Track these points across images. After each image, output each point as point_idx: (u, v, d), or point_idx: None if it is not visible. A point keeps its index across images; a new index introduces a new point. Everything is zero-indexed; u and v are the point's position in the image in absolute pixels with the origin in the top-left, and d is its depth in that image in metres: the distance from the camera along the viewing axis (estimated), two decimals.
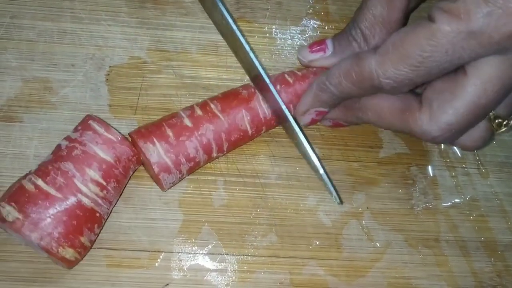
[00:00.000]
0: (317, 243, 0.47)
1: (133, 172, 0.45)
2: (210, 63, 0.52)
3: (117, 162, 0.42)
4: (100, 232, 0.44)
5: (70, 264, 0.41)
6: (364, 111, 0.45)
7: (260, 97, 0.47)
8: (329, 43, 0.47)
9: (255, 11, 0.55)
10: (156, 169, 0.43)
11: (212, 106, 0.45)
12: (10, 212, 0.38)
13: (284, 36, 0.55)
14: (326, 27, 0.56)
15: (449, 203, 0.50)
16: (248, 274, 0.46)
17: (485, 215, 0.50)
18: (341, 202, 0.47)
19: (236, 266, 0.46)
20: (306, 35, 0.55)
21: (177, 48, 0.52)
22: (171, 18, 0.54)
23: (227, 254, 0.46)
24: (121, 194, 0.45)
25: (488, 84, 0.38)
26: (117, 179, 0.42)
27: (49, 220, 0.39)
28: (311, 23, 0.56)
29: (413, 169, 0.51)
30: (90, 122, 0.43)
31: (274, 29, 0.55)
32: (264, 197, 0.48)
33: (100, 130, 0.42)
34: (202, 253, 0.46)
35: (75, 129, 0.43)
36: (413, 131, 0.42)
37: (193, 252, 0.46)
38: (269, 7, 0.56)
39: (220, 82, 0.52)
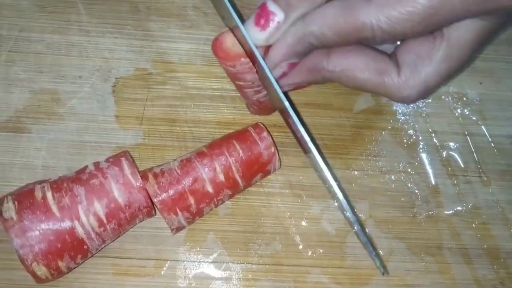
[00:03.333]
0: (321, 251, 0.48)
1: (140, 222, 0.46)
2: (215, 74, 0.53)
3: (127, 207, 0.42)
4: (83, 262, 0.43)
5: (40, 281, 0.41)
6: (334, 72, 0.42)
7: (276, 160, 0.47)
8: (273, 7, 0.39)
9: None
10: (173, 231, 0.45)
11: (234, 169, 0.45)
12: (9, 209, 0.39)
13: None
14: None
15: (451, 211, 0.50)
16: (253, 282, 0.46)
17: (487, 223, 0.50)
18: (387, 272, 0.47)
19: (240, 274, 0.46)
20: None
21: (182, 60, 0.53)
22: (176, 30, 0.55)
23: (232, 263, 0.47)
24: (118, 236, 0.45)
25: (464, 48, 0.39)
26: (120, 222, 0.42)
27: (37, 233, 0.39)
28: None
29: (415, 178, 0.51)
30: (122, 159, 0.43)
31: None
32: (268, 205, 0.49)
33: (127, 170, 0.43)
34: (207, 262, 0.46)
35: (107, 159, 0.44)
36: (389, 92, 0.42)
37: (198, 260, 0.46)
38: None
39: (225, 92, 0.52)
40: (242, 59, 0.42)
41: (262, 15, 0.39)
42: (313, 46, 0.40)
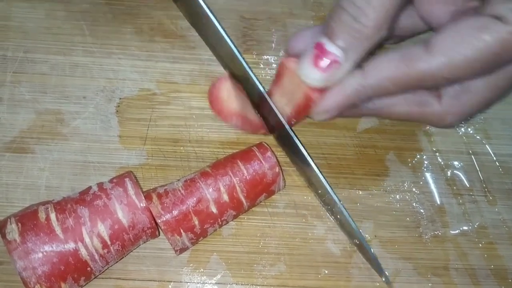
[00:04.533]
0: (326, 272, 0.47)
1: (144, 243, 0.45)
2: None
3: (131, 228, 0.42)
4: (86, 284, 0.43)
5: None
6: (374, 110, 0.42)
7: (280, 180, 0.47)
8: (331, 47, 0.38)
9: (261, 44, 0.57)
10: (177, 252, 0.45)
11: (238, 189, 0.45)
12: (12, 231, 0.39)
13: None
14: None
15: (457, 231, 0.50)
16: None
17: (494, 243, 0.50)
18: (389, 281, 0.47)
19: None
20: None
21: (185, 80, 0.54)
22: (179, 51, 0.55)
23: (236, 284, 0.46)
24: (122, 258, 0.45)
25: (510, 78, 0.39)
26: (124, 243, 0.42)
27: (40, 255, 0.38)
28: None
29: (420, 197, 0.51)
30: (126, 180, 0.43)
31: (279, 61, 0.56)
32: (273, 226, 0.48)
33: (130, 191, 0.42)
34: (211, 283, 0.46)
35: (111, 180, 0.44)
36: (430, 121, 0.42)
37: (202, 281, 0.46)
38: (274, 39, 0.57)
39: None
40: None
41: (321, 56, 0.38)
42: (370, 98, 0.40)
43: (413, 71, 0.37)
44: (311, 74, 0.39)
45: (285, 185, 0.49)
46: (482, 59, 0.35)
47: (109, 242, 0.41)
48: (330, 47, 0.38)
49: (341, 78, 0.39)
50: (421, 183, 0.52)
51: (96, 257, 0.41)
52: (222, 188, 0.44)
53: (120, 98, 0.52)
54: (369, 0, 0.36)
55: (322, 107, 0.41)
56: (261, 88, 0.43)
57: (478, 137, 0.54)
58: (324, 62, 0.38)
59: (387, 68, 0.38)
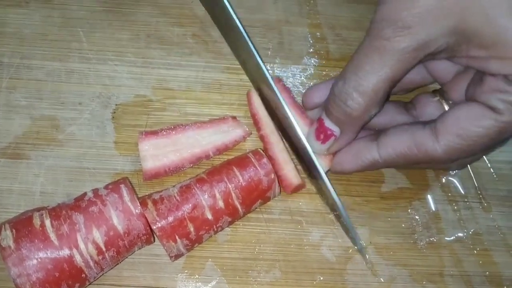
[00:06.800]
0: (321, 278, 0.47)
1: (139, 249, 0.45)
2: (214, 101, 0.53)
3: (126, 235, 0.42)
4: None
5: None
6: (381, 164, 0.45)
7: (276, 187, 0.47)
8: (328, 123, 0.44)
9: (258, 50, 0.57)
10: (172, 259, 0.45)
11: (234, 196, 0.45)
12: (7, 238, 0.39)
13: (285, 74, 0.56)
14: (326, 66, 0.57)
15: (452, 237, 0.50)
16: None
17: (489, 249, 0.50)
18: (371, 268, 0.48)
19: None
20: (307, 73, 0.56)
21: (181, 87, 0.54)
22: (176, 58, 0.55)
23: None
24: (117, 264, 0.44)
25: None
26: (119, 250, 0.42)
27: (34, 261, 0.38)
28: (312, 61, 0.57)
29: (415, 204, 0.51)
30: (121, 186, 0.43)
31: (275, 68, 0.56)
32: (268, 232, 0.48)
33: (126, 197, 0.42)
34: None
35: (106, 186, 0.44)
36: (431, 160, 0.43)
37: None
38: (270, 46, 0.57)
39: None
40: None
41: (321, 130, 0.44)
42: (381, 168, 0.47)
43: (422, 154, 0.42)
44: (315, 145, 0.45)
45: (280, 191, 0.49)
46: (481, 143, 0.40)
47: (104, 249, 0.41)
48: (327, 123, 0.44)
49: (341, 148, 0.46)
50: (416, 189, 0.52)
51: (91, 263, 0.40)
52: (217, 195, 0.44)
53: (116, 104, 0.52)
54: (356, 87, 0.40)
55: (340, 168, 0.47)
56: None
57: None
58: (323, 136, 0.44)
59: (399, 147, 0.43)
